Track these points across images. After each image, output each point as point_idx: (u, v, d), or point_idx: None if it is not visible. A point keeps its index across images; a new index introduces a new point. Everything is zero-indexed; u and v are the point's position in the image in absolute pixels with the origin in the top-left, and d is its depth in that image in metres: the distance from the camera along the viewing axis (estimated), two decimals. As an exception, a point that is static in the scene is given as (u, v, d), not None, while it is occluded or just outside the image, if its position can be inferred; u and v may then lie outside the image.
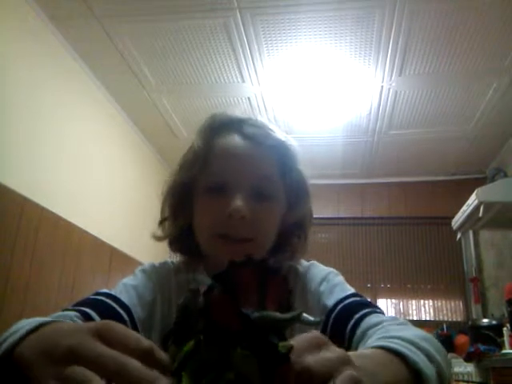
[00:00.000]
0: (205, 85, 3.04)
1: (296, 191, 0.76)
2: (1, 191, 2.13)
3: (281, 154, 0.74)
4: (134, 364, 0.33)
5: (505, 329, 2.69)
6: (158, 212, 0.78)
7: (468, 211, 3.05)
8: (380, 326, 0.57)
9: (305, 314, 0.37)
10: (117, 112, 3.32)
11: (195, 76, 2.95)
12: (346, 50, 2.65)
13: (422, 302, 4.16)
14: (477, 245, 4.08)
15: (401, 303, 4.20)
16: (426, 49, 2.61)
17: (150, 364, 0.34)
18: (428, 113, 3.28)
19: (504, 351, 2.50)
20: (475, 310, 3.94)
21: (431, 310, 4.14)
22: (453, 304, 4.12)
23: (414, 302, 4.18)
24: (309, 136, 3.63)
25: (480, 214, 2.91)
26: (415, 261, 4.22)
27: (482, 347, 2.51)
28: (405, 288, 4.20)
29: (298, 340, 0.36)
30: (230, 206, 0.67)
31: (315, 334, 0.37)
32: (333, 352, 0.36)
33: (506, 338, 2.65)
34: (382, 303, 4.18)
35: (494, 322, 2.89)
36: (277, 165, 0.73)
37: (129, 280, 0.73)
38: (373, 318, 0.61)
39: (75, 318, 0.58)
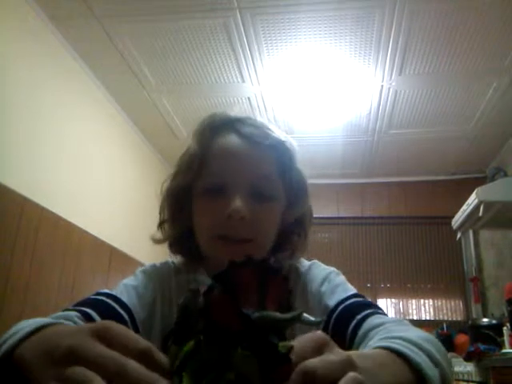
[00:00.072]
0: (205, 85, 3.04)
1: (295, 190, 0.76)
2: (1, 191, 2.13)
3: (279, 154, 0.74)
4: (134, 365, 0.33)
5: (505, 328, 2.69)
6: (158, 211, 0.78)
7: (468, 211, 3.05)
8: (382, 327, 0.57)
9: (305, 314, 0.37)
10: (117, 112, 3.32)
11: (195, 76, 2.95)
12: (346, 50, 2.65)
13: (421, 301, 4.16)
14: (477, 244, 4.08)
15: (401, 303, 4.20)
16: (425, 48, 2.61)
17: (149, 365, 0.34)
18: (428, 112, 3.28)
19: (504, 351, 2.50)
20: (475, 309, 3.95)
21: (431, 310, 4.14)
22: (453, 303, 4.12)
23: (413, 301, 4.18)
24: (309, 136, 3.63)
25: (480, 214, 2.91)
26: (415, 260, 4.22)
27: (481, 347, 2.51)
28: (405, 288, 4.20)
29: (301, 340, 0.36)
30: (229, 207, 0.67)
31: (318, 334, 0.37)
32: (336, 354, 0.36)
33: (505, 338, 2.65)
34: (381, 303, 4.18)
35: (493, 322, 2.89)
36: (276, 164, 0.73)
37: (129, 280, 0.73)
38: (375, 320, 0.60)
39: (76, 318, 0.58)
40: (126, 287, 0.71)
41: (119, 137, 3.40)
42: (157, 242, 0.78)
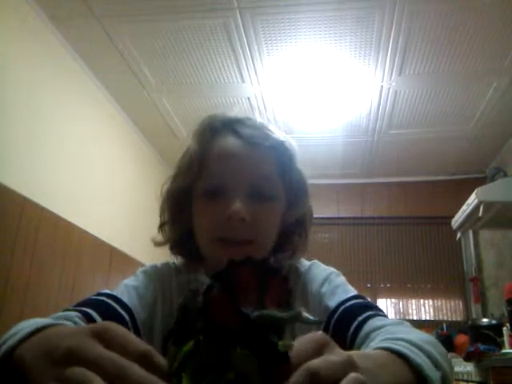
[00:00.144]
0: (205, 85, 3.04)
1: (295, 190, 0.75)
2: (1, 191, 2.13)
3: (279, 154, 0.74)
4: (133, 367, 0.33)
5: (504, 328, 2.69)
6: (158, 212, 0.78)
7: (468, 211, 3.05)
8: (383, 329, 0.56)
9: (305, 313, 0.37)
10: (117, 112, 3.32)
11: (195, 76, 2.95)
12: (346, 50, 2.65)
13: (421, 301, 4.16)
14: (477, 244, 4.09)
15: (401, 303, 4.20)
16: (425, 49, 2.61)
17: (148, 368, 0.34)
18: (428, 112, 3.28)
19: (504, 351, 2.50)
20: (475, 309, 3.95)
21: (431, 310, 4.14)
22: (453, 304, 4.12)
23: (413, 301, 4.18)
24: (309, 136, 3.63)
25: (480, 214, 2.91)
26: (415, 260, 4.22)
27: (481, 347, 2.51)
28: (405, 288, 4.20)
29: (301, 341, 0.36)
30: (229, 209, 0.67)
31: (319, 334, 0.37)
32: (337, 354, 0.36)
33: (505, 338, 2.65)
34: (381, 303, 4.18)
35: (493, 322, 2.89)
36: (275, 165, 0.73)
37: (130, 281, 0.73)
38: (376, 321, 0.60)
39: (76, 319, 0.58)
40: (126, 287, 0.71)
41: (119, 137, 3.40)
42: (158, 244, 0.78)
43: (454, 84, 2.94)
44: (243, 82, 2.98)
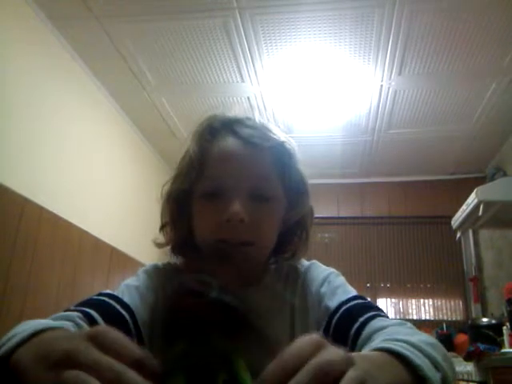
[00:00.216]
0: (204, 85, 3.04)
1: (296, 191, 0.75)
2: (1, 191, 2.13)
3: (279, 155, 0.73)
4: (129, 373, 0.33)
5: (504, 328, 2.69)
6: (158, 212, 0.78)
7: (468, 210, 3.05)
8: (385, 331, 0.56)
9: None
10: (117, 112, 3.32)
11: (195, 76, 2.95)
12: (346, 50, 2.65)
13: (421, 301, 4.16)
14: (476, 244, 4.09)
15: (400, 303, 4.20)
16: (425, 48, 2.61)
17: (143, 373, 0.34)
18: (427, 112, 3.29)
19: (504, 350, 2.51)
20: (475, 309, 3.95)
21: (431, 310, 4.14)
22: (452, 303, 4.12)
23: (413, 301, 4.18)
24: (308, 135, 3.63)
25: (480, 213, 2.91)
26: (415, 260, 4.22)
27: (481, 346, 2.51)
28: (404, 287, 4.20)
29: (298, 343, 0.36)
30: (228, 210, 0.66)
31: (315, 336, 0.37)
32: (336, 353, 0.36)
33: (505, 337, 2.65)
34: (381, 303, 4.18)
35: (493, 321, 2.89)
36: (275, 165, 0.73)
37: (131, 281, 0.73)
38: (378, 322, 0.60)
39: (77, 319, 0.58)
40: (127, 287, 0.70)
41: (119, 137, 3.40)
42: (159, 245, 0.77)
43: (453, 84, 2.94)
44: (243, 81, 2.98)
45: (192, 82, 3.01)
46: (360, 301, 0.67)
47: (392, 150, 3.89)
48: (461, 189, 3.77)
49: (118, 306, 0.65)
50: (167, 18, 2.45)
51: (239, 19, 2.44)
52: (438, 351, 0.49)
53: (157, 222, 0.79)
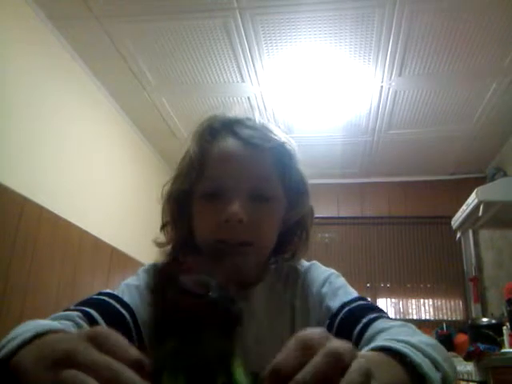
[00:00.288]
0: (205, 85, 3.04)
1: (296, 191, 0.75)
2: (0, 191, 2.13)
3: (279, 155, 0.73)
4: (128, 372, 0.33)
5: (504, 328, 2.69)
6: (158, 212, 0.78)
7: (468, 210, 3.05)
8: (388, 331, 0.56)
9: None
10: (117, 112, 3.32)
11: (195, 76, 2.95)
12: (346, 50, 2.65)
13: (421, 301, 4.17)
14: (476, 244, 4.09)
15: (400, 303, 4.20)
16: (425, 48, 2.61)
17: (141, 375, 0.34)
18: (428, 112, 3.29)
19: (504, 350, 2.51)
20: (475, 309, 3.95)
21: (431, 310, 4.14)
22: (452, 303, 4.12)
23: (413, 301, 4.18)
24: (308, 135, 3.63)
25: (480, 214, 2.91)
26: (415, 260, 4.22)
27: (481, 346, 2.51)
28: (404, 287, 4.20)
29: (303, 333, 0.36)
30: (226, 211, 0.66)
31: (318, 329, 0.37)
32: (342, 343, 0.36)
33: (505, 337, 2.65)
34: (381, 303, 4.18)
35: (493, 321, 2.89)
36: (275, 165, 0.73)
37: (131, 280, 0.73)
38: (381, 324, 0.60)
39: (77, 318, 0.58)
40: (127, 287, 0.71)
41: (119, 137, 3.40)
42: (160, 245, 0.78)
43: (453, 84, 2.94)
44: (243, 81, 2.98)
45: (192, 82, 3.01)
46: (362, 302, 0.67)
47: (392, 151, 3.89)
48: (461, 189, 3.78)
49: (118, 306, 0.65)
50: (167, 18, 2.45)
51: (239, 19, 2.44)
52: (439, 352, 0.49)
53: (157, 221, 0.79)
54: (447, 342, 3.46)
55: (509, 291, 2.71)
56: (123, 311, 0.65)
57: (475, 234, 4.09)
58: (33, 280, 2.30)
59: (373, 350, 0.46)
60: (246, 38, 2.58)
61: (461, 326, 3.71)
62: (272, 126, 0.76)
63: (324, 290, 0.72)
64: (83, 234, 2.79)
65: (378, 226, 4.37)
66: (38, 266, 2.35)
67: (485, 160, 3.94)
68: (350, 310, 0.65)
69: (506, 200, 2.84)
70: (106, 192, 3.15)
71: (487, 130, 3.46)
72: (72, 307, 0.62)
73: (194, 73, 2.92)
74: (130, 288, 0.70)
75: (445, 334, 3.61)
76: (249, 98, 3.16)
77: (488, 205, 2.87)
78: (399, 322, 0.60)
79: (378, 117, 3.36)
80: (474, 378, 2.58)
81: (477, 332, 2.85)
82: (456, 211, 3.31)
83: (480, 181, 3.82)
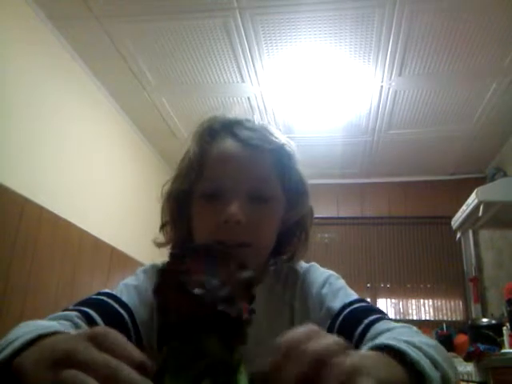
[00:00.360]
0: (205, 85, 3.04)
1: (295, 192, 0.75)
2: (1, 191, 2.13)
3: (278, 156, 0.73)
4: (128, 370, 0.34)
5: (504, 328, 2.69)
6: (158, 212, 0.78)
7: (468, 211, 3.05)
8: (389, 332, 0.56)
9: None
10: (117, 112, 3.32)
11: (195, 76, 2.95)
12: (346, 50, 2.65)
13: (421, 301, 4.16)
14: (476, 244, 4.09)
15: (400, 303, 4.20)
16: (425, 48, 2.61)
17: (141, 374, 0.35)
18: (428, 112, 3.28)
19: (504, 351, 2.51)
20: (475, 309, 3.95)
21: (431, 310, 4.14)
22: (452, 304, 4.12)
23: (413, 301, 4.18)
24: (308, 136, 3.63)
25: (480, 214, 2.91)
26: (415, 260, 4.22)
27: (481, 347, 2.51)
28: (404, 288, 4.20)
29: (292, 331, 0.37)
30: (225, 212, 0.66)
31: (310, 325, 0.38)
32: (332, 340, 0.36)
33: (505, 338, 2.65)
34: (381, 303, 4.18)
35: (493, 322, 2.89)
36: (274, 166, 0.73)
37: (130, 280, 0.73)
38: (383, 325, 0.60)
39: (76, 318, 0.58)
40: (126, 287, 0.71)
41: (119, 137, 3.40)
42: (159, 245, 0.78)
43: (453, 84, 2.94)
44: (243, 81, 2.98)
45: (192, 82, 3.01)
46: (363, 303, 0.67)
47: (392, 151, 3.89)
48: (461, 189, 3.77)
49: (117, 306, 0.65)
50: (167, 18, 2.45)
51: (239, 19, 2.44)
52: (439, 352, 0.49)
53: (157, 221, 0.79)
54: (447, 342, 3.45)
55: (509, 291, 2.71)
56: (122, 311, 0.65)
57: (475, 234, 4.09)
58: (33, 280, 2.30)
59: (372, 348, 0.46)
60: (246, 38, 2.58)
61: (461, 327, 3.71)
62: (271, 128, 0.76)
63: (324, 291, 0.72)
64: (83, 234, 2.79)
65: (377, 226, 4.37)
66: (39, 266, 2.35)
67: (485, 160, 3.94)
68: (351, 311, 0.65)
69: (506, 200, 2.84)
70: (106, 192, 3.15)
71: (487, 130, 3.46)
72: (70, 307, 0.62)
73: (194, 73, 2.92)
74: (128, 288, 0.70)
75: (445, 334, 3.61)
76: (249, 98, 3.16)
77: (488, 205, 2.87)
78: (401, 324, 0.60)
79: (378, 117, 3.36)
80: (474, 379, 2.58)
81: (477, 332, 2.85)
82: (456, 211, 3.31)
83: (480, 181, 3.81)
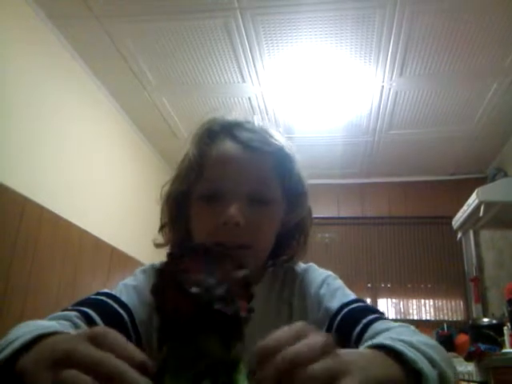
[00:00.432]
0: (205, 85, 3.04)
1: (295, 194, 0.75)
2: (1, 191, 2.13)
3: (278, 158, 0.73)
4: (128, 369, 0.34)
5: (505, 328, 2.69)
6: (158, 212, 0.78)
7: (468, 211, 3.05)
8: (387, 332, 0.57)
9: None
10: (117, 112, 3.32)
11: (195, 76, 2.95)
12: (347, 50, 2.65)
13: (422, 301, 4.16)
14: (477, 244, 4.08)
15: (401, 303, 4.20)
16: (426, 49, 2.61)
17: (141, 373, 0.35)
18: (428, 113, 3.28)
19: (504, 350, 2.50)
20: (475, 309, 3.94)
21: (431, 310, 4.14)
22: (453, 303, 4.12)
23: (414, 301, 4.18)
24: (309, 136, 3.63)
25: (480, 214, 2.91)
26: (415, 260, 4.22)
27: (482, 346, 2.51)
28: (405, 288, 4.20)
29: (282, 329, 0.37)
30: (224, 214, 0.66)
31: (299, 324, 0.38)
32: (317, 338, 0.36)
33: (506, 338, 2.65)
34: (382, 303, 4.18)
35: (494, 322, 2.89)
36: (274, 168, 0.73)
37: (129, 280, 0.73)
38: (381, 325, 0.60)
39: (75, 318, 0.58)
40: (125, 287, 0.71)
41: (119, 137, 3.40)
42: (158, 246, 0.78)
43: (454, 84, 2.94)
44: (244, 82, 2.98)
45: (193, 82, 3.01)
46: (361, 304, 0.68)
47: (393, 151, 3.89)
48: (461, 189, 3.77)
49: (116, 305, 0.65)
50: (168, 18, 2.45)
51: (240, 19, 2.44)
52: (437, 352, 0.49)
53: (157, 222, 0.79)
54: (448, 342, 3.45)
55: (509, 291, 2.70)
56: (121, 311, 0.65)
57: (476, 234, 4.08)
58: (33, 280, 2.30)
59: (369, 347, 0.46)
60: (247, 39, 2.58)
61: (461, 327, 3.70)
62: (271, 130, 0.76)
63: (322, 291, 0.72)
64: (83, 234, 2.79)
65: (378, 226, 4.37)
66: (39, 265, 2.35)
67: (485, 160, 3.94)
68: (349, 311, 0.66)
69: (507, 200, 2.84)
70: (106, 192, 3.15)
71: (488, 131, 3.46)
72: (70, 307, 0.62)
73: (195, 73, 2.91)
74: (127, 288, 0.70)
75: (445, 334, 3.61)
76: (249, 98, 3.16)
77: (489, 205, 2.87)
78: (399, 324, 0.60)
79: (379, 117, 3.35)
80: (474, 379, 2.57)
81: (477, 332, 2.85)
82: (456, 211, 3.31)
83: (481, 181, 3.81)
